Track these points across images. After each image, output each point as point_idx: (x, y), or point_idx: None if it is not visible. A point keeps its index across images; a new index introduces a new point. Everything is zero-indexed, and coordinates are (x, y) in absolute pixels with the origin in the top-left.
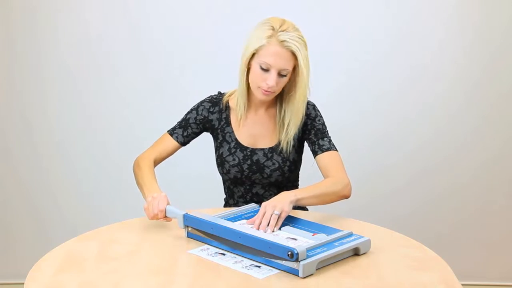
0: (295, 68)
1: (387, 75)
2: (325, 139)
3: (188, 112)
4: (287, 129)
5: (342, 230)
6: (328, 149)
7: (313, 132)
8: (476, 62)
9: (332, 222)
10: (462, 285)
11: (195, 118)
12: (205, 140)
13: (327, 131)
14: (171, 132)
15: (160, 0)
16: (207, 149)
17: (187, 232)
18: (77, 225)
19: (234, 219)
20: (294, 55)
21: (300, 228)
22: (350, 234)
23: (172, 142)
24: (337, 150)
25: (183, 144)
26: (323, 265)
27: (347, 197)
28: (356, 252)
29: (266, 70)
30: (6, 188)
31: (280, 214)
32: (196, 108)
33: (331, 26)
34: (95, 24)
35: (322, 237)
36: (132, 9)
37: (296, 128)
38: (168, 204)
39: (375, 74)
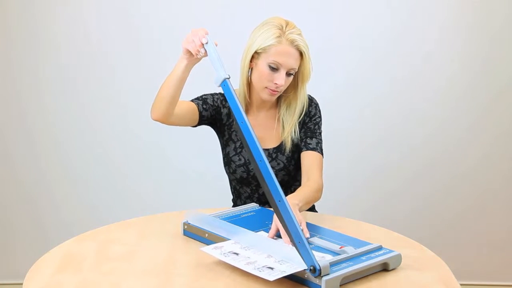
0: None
1: (386, 73)
2: (313, 139)
3: (202, 95)
4: (287, 127)
5: (371, 243)
6: (313, 149)
7: (303, 130)
8: (474, 61)
9: (330, 223)
10: (461, 284)
11: (212, 100)
12: (212, 140)
13: (320, 133)
14: (192, 100)
15: (159, 0)
16: (215, 149)
17: (184, 231)
18: (76, 225)
19: (231, 218)
20: (301, 55)
21: (328, 240)
22: (380, 248)
23: (190, 103)
24: (322, 154)
25: (200, 112)
26: (348, 281)
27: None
28: (385, 268)
29: (275, 69)
30: (4, 188)
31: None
32: (211, 94)
33: (329, 25)
34: (94, 24)
35: (349, 250)
36: (131, 9)
37: (294, 125)
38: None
39: (373, 73)
